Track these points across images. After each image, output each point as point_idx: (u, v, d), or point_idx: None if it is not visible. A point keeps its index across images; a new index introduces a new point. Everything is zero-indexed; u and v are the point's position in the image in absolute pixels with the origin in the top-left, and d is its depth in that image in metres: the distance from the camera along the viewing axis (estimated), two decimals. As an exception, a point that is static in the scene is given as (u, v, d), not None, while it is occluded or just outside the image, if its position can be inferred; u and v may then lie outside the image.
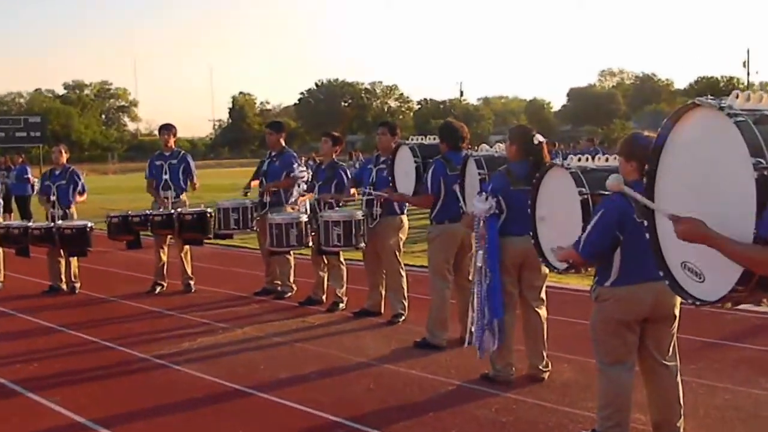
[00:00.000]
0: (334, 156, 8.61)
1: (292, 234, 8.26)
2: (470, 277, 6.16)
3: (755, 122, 2.65)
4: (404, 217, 7.95)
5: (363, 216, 7.79)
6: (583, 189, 4.18)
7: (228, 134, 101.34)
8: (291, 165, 8.96)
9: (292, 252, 9.00)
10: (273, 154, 9.23)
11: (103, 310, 8.91)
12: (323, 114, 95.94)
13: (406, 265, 8.22)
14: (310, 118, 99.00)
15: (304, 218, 8.43)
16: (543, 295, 5.77)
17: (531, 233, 4.74)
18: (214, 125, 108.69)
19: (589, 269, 4.39)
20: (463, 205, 6.17)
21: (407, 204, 7.50)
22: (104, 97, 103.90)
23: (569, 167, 4.36)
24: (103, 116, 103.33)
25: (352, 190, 8.43)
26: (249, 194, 9.40)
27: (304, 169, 9.05)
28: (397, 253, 7.84)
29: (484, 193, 5.39)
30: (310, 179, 8.95)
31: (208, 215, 9.36)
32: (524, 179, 5.34)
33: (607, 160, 4.51)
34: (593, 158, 4.53)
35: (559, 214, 4.46)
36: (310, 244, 8.49)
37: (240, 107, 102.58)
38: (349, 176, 8.58)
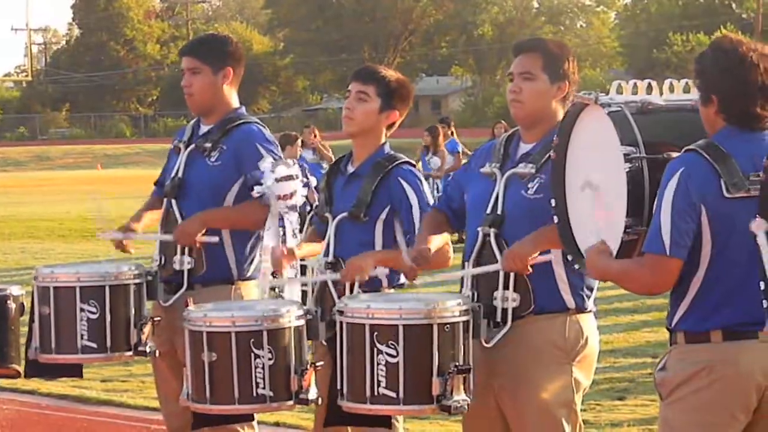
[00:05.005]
0: (382, 137, 6.61)
1: (261, 365, 6.40)
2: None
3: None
4: (587, 319, 5.95)
5: (465, 311, 5.86)
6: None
7: (66, 72, 79.66)
8: (254, 160, 7.06)
9: (256, 418, 7.19)
10: (202, 125, 7.18)
11: None
12: (333, 13, 69.79)
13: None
14: (302, 21, 70.28)
15: (293, 315, 6.48)
16: None
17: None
18: (31, 50, 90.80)
19: None
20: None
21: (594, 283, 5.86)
22: None
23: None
24: None
25: (439, 239, 6.37)
26: (130, 245, 7.32)
27: (294, 172, 7.04)
28: (568, 426, 5.95)
29: None
30: (314, 199, 8.24)
31: (9, 308, 7.38)
32: None
33: None
34: None
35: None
36: (312, 396, 6.52)
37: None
38: (427, 196, 6.63)
